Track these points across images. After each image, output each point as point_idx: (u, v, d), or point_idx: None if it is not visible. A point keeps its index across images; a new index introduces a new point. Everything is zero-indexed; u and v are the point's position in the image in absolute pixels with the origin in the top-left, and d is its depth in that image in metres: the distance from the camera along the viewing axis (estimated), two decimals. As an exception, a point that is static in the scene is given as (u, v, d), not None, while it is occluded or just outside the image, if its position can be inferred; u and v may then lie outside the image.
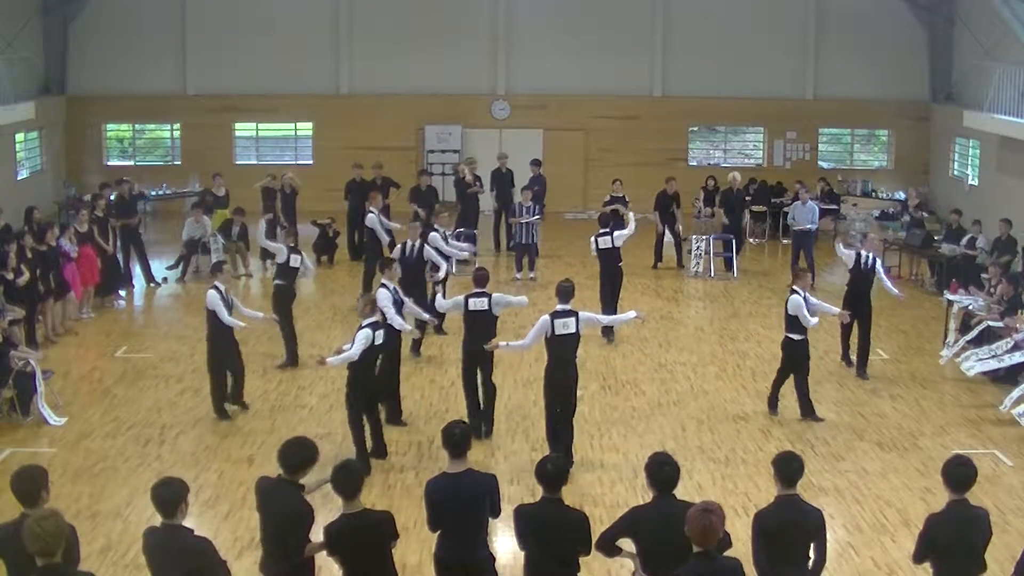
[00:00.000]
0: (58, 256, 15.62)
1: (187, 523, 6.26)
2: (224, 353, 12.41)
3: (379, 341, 10.75)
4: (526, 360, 14.18)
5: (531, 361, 14.32)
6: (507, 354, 12.59)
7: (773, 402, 12.76)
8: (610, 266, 15.82)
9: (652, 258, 20.46)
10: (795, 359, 12.45)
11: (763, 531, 6.59)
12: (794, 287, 12.41)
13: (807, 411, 12.47)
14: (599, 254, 15.93)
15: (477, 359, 11.71)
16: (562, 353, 10.76)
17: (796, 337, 12.33)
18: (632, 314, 11.95)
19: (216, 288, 12.18)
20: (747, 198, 22.27)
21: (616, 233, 15.83)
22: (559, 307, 10.72)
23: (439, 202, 19.54)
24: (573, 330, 10.68)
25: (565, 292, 10.81)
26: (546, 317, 10.69)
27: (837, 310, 13.26)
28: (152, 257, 19.40)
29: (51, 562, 5.48)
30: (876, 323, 14.36)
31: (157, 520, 6.25)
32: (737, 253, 20.22)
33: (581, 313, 10.82)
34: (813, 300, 12.64)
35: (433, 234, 15.53)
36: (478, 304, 11.58)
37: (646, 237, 19.76)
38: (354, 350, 10.50)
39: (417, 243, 14.67)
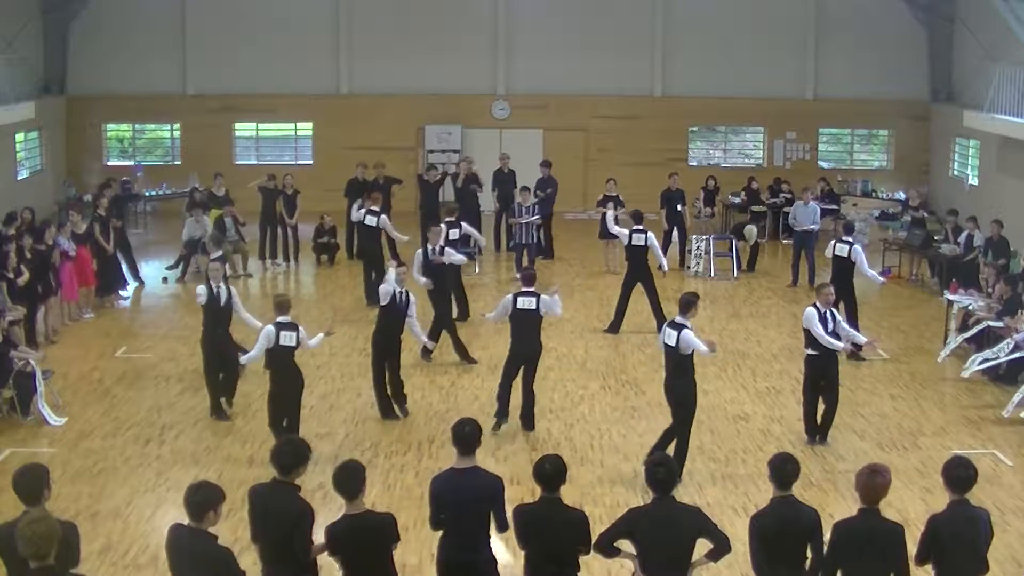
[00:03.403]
0: (56, 255, 15.59)
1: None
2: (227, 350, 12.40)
3: (285, 342, 10.82)
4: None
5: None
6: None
7: (811, 429, 11.80)
8: (640, 265, 15.84)
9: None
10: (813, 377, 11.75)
11: (760, 533, 6.60)
12: (816, 303, 11.69)
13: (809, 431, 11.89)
14: (628, 249, 15.94)
15: (524, 360, 11.77)
16: (673, 362, 10.48)
17: (812, 352, 11.62)
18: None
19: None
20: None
21: (651, 238, 15.81)
22: (677, 319, 10.49)
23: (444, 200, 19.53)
24: (674, 343, 10.39)
25: (687, 303, 10.49)
26: (666, 327, 10.63)
27: (864, 339, 12.44)
28: (152, 257, 19.37)
29: (44, 565, 5.47)
30: (877, 323, 14.31)
31: (174, 518, 6.23)
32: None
33: (683, 333, 10.32)
34: (843, 324, 11.81)
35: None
36: (527, 303, 11.66)
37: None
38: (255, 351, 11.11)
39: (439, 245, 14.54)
